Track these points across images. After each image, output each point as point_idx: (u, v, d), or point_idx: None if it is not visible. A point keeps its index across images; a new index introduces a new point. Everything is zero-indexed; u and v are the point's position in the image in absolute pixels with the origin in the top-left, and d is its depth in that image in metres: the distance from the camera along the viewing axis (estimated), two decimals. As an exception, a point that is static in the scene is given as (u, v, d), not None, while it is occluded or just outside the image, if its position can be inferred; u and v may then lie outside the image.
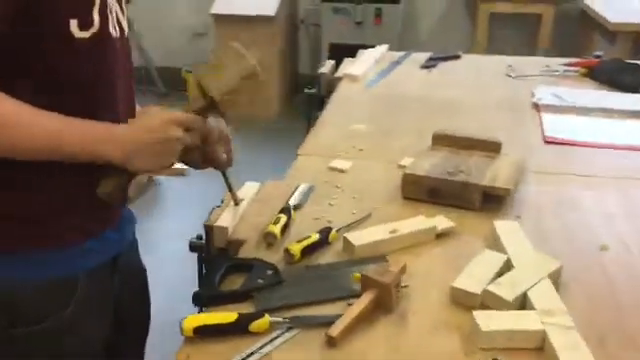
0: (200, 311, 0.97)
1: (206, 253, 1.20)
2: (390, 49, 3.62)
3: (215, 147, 1.06)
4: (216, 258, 1.14)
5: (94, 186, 0.91)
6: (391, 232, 1.10)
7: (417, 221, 1.14)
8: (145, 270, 1.16)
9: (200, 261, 1.17)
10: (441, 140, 1.44)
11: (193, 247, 1.22)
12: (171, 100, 4.62)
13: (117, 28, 0.94)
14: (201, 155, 1.09)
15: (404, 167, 1.35)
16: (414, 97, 1.89)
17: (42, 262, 0.91)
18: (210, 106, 0.98)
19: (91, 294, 0.96)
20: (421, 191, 1.27)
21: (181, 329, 0.88)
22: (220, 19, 4.07)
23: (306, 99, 2.25)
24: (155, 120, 0.90)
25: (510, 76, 2.08)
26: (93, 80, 0.90)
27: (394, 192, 1.30)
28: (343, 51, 2.64)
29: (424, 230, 1.12)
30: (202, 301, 0.96)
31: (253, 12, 3.96)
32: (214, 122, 1.09)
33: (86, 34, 0.87)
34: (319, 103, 2.05)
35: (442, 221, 1.16)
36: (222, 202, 1.26)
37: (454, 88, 1.96)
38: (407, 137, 1.59)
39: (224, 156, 1.08)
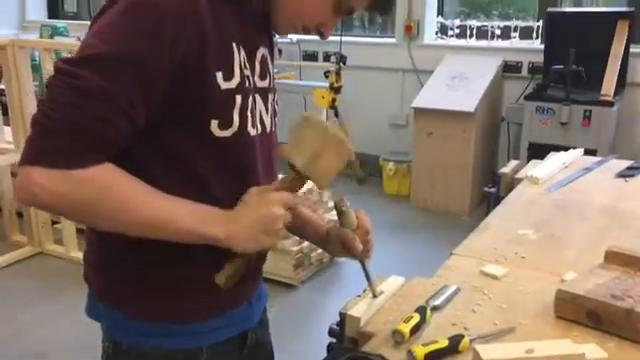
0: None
1: (340, 341, 1.20)
2: (598, 154, 3.40)
3: (352, 235, 1.08)
4: (339, 347, 1.14)
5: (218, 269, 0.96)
6: (527, 352, 1.00)
7: (561, 344, 1.02)
8: (271, 344, 1.20)
9: (328, 348, 1.17)
10: (615, 258, 1.29)
11: (331, 333, 1.23)
12: (368, 186, 4.80)
13: (258, 126, 1.00)
14: (339, 242, 1.12)
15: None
16: (598, 207, 1.73)
17: (169, 334, 0.99)
18: (300, 178, 0.99)
19: None
20: (578, 312, 1.14)
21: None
22: (420, 112, 4.18)
23: (487, 200, 2.19)
24: (254, 200, 0.93)
25: None
26: (230, 175, 0.96)
27: (547, 308, 1.19)
28: (544, 151, 2.53)
29: (566, 356, 1.00)
30: (313, 387, 0.96)
31: (452, 107, 4.00)
32: (356, 212, 1.12)
33: (226, 133, 0.93)
34: (497, 203, 1.98)
35: (593, 350, 1.02)
36: (364, 291, 1.26)
37: (649, 202, 1.76)
38: (579, 250, 1.45)
39: (360, 246, 1.09)
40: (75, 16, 6.37)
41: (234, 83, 0.93)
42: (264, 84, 1.02)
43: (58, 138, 0.82)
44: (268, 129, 1.04)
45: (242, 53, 0.96)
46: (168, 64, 0.86)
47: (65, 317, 2.76)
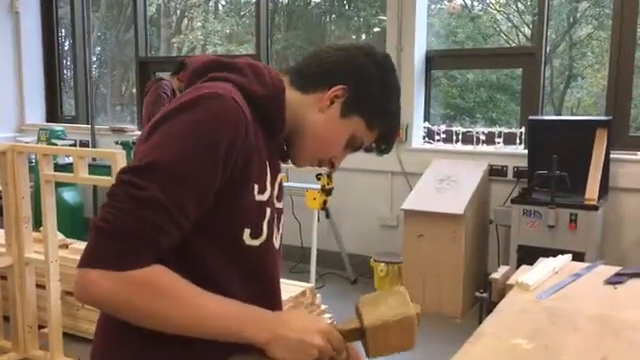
0: None
1: None
2: (587, 257, 3.45)
3: None
4: None
5: None
6: None
7: None
8: None
9: None
10: (609, 370, 1.30)
11: None
12: (359, 286, 4.77)
13: (277, 240, 1.09)
14: None
15: (562, 396, 1.23)
16: (590, 315, 1.75)
17: None
18: (358, 332, 1.03)
19: None
20: None
21: None
22: (410, 214, 4.25)
23: (479, 303, 2.21)
24: (305, 322, 1.00)
25: None
26: (250, 282, 1.03)
27: None
28: (533, 253, 2.57)
29: None
30: None
31: (441, 210, 4.08)
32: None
33: (255, 242, 1.02)
34: (489, 309, 1.99)
35: None
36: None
37: (639, 310, 1.78)
38: (573, 361, 1.46)
39: None
40: (73, 119, 6.56)
41: (266, 196, 1.04)
42: (279, 205, 1.13)
43: (115, 242, 0.89)
44: (277, 246, 1.12)
45: (269, 173, 1.07)
46: (220, 176, 0.95)
47: None
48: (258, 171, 1.02)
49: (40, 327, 3.46)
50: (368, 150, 1.20)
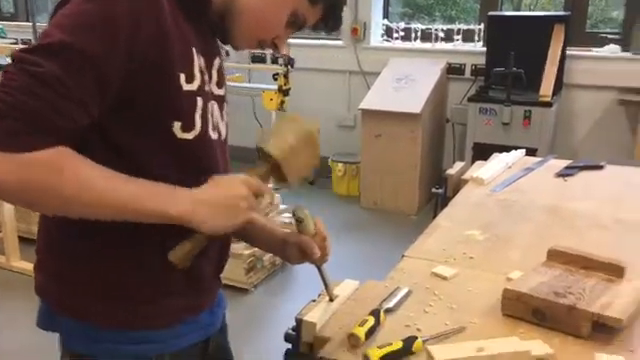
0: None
1: (296, 346, 1.22)
2: (539, 153, 3.53)
3: (311, 242, 1.11)
4: (295, 356, 1.15)
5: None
6: (478, 350, 1.04)
7: (509, 342, 1.07)
8: (231, 350, 1.21)
9: (285, 355, 1.18)
10: (557, 257, 1.35)
11: (287, 338, 1.24)
12: (318, 186, 4.82)
13: (216, 131, 1.03)
14: (297, 249, 1.14)
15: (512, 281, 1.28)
16: (540, 207, 1.80)
17: (130, 341, 0.99)
18: (273, 169, 1.02)
19: None
20: (523, 310, 1.19)
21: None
22: (367, 114, 4.23)
23: (434, 199, 2.25)
24: (221, 180, 0.95)
25: (656, 192, 1.92)
26: (193, 177, 0.97)
27: (495, 307, 1.23)
28: (488, 150, 2.60)
29: (515, 353, 1.04)
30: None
31: (399, 109, 4.08)
32: (314, 219, 1.15)
33: (189, 136, 0.95)
34: (444, 204, 2.03)
35: (539, 346, 1.07)
36: (318, 296, 1.28)
37: (588, 201, 1.85)
38: (524, 249, 1.51)
39: (319, 252, 1.12)
40: (12, 17, 6.16)
41: (195, 86, 0.95)
42: (220, 92, 1.05)
43: (10, 122, 0.80)
44: (223, 136, 1.07)
45: (201, 59, 0.98)
46: (125, 60, 0.86)
47: (6, 328, 2.67)
48: (182, 59, 0.93)
49: (-6, 232, 3.41)
50: (315, 28, 1.09)
